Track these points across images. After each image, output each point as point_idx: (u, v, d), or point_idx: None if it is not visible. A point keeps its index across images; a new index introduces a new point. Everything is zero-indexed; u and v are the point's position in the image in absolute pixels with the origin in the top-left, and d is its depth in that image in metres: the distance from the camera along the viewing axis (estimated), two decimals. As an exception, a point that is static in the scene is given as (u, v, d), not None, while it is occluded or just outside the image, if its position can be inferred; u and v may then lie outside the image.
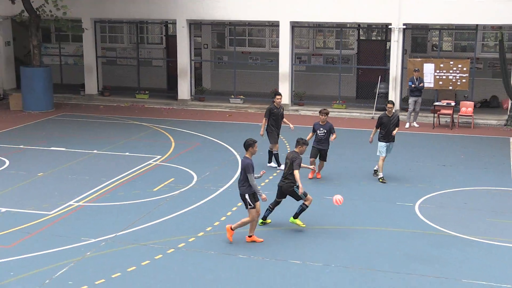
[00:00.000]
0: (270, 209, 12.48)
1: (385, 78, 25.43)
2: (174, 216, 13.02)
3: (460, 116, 22.94)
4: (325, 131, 15.51)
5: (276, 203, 12.45)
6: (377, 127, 15.78)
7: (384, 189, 14.92)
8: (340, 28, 26.77)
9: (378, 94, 24.83)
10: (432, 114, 23.06)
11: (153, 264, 10.64)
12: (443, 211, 13.57)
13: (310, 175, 15.62)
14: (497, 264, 10.80)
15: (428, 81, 23.46)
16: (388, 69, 24.80)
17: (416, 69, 22.66)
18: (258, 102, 26.54)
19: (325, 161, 15.85)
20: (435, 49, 27.46)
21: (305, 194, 12.11)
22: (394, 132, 15.65)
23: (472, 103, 23.37)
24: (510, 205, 13.96)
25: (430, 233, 12.26)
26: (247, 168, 11.35)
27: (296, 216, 12.32)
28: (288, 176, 12.14)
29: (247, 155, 11.60)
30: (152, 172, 16.34)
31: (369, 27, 29.20)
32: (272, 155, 16.64)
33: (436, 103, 23.17)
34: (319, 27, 28.96)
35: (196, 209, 13.48)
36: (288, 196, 12.31)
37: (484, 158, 18.07)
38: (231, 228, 11.68)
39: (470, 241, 11.83)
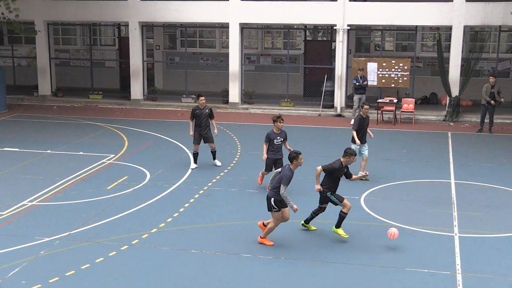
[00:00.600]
0: (312, 215, 11.86)
1: (331, 77, 25.60)
2: (128, 213, 12.83)
3: (402, 112, 23.25)
4: (282, 139, 14.11)
5: (320, 209, 11.79)
6: (356, 130, 15.13)
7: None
8: (287, 29, 26.84)
9: (324, 92, 24.98)
10: (375, 111, 23.30)
11: (107, 261, 10.45)
12: (387, 203, 13.70)
13: (259, 181, 14.69)
14: (438, 252, 10.94)
15: (372, 79, 23.70)
16: (334, 68, 25.00)
17: (360, 68, 22.87)
18: (209, 101, 26.34)
19: None
20: (378, 48, 27.76)
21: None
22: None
23: (413, 99, 23.72)
24: (449, 196, 14.18)
25: (375, 224, 12.37)
26: (283, 179, 10.85)
27: (337, 226, 11.53)
28: (323, 183, 11.52)
29: (291, 167, 11.08)
30: (106, 170, 16.08)
31: (315, 28, 29.37)
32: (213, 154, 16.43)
33: (380, 100, 23.44)
34: (267, 29, 28.98)
35: (149, 206, 13.31)
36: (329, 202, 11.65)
37: (424, 152, 18.34)
38: (261, 237, 11.38)
39: (412, 231, 11.96)
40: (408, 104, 23.34)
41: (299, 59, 28.69)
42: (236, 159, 17.41)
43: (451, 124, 22.85)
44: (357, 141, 15.08)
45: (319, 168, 11.37)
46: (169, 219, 12.47)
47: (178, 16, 25.64)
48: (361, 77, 22.59)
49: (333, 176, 11.42)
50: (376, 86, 24.14)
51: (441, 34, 24.46)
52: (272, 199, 11.02)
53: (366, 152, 15.37)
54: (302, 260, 10.62)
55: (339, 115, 24.47)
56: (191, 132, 16.10)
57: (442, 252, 10.96)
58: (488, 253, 10.89)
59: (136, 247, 11.06)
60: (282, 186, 10.83)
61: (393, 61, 23.82)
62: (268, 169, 14.22)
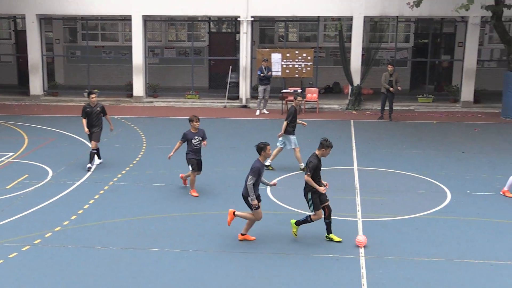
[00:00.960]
0: (326, 222, 11.05)
1: (236, 68, 25.69)
2: (29, 212, 12.43)
3: (306, 102, 23.65)
4: (200, 139, 13.53)
5: (324, 212, 11.01)
6: (290, 120, 15.19)
7: (236, 175, 15.05)
8: (191, 22, 26.73)
9: (229, 84, 25.06)
10: (280, 101, 23.59)
11: (7, 263, 10.09)
12: (293, 191, 13.90)
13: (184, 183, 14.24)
14: (342, 237, 11.17)
15: (276, 70, 23.98)
16: (238, 60, 25.08)
17: (265, 59, 23.08)
18: (113, 95, 25.93)
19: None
20: (281, 39, 28.10)
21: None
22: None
23: (317, 89, 24.18)
24: (352, 182, 14.56)
25: (281, 213, 12.54)
26: (252, 170, 10.63)
27: (297, 223, 11.07)
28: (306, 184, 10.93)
29: (260, 159, 10.83)
30: (5, 169, 15.51)
31: (219, 20, 29.38)
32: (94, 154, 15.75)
33: (284, 91, 23.76)
34: (171, 21, 28.74)
35: (52, 204, 12.94)
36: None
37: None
38: (242, 235, 11.19)
39: (318, 218, 12.21)
40: (312, 93, 23.77)
41: (203, 51, 28.64)
42: (141, 153, 17.20)
43: (354, 112, 23.46)
44: (282, 132, 15.23)
45: (307, 177, 10.69)
46: (73, 217, 12.18)
47: (78, 9, 25.01)
48: (265, 68, 22.81)
49: (315, 173, 10.85)
50: (281, 76, 24.45)
51: (343, 25, 25.03)
52: (249, 197, 10.79)
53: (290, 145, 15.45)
54: (209, 251, 10.63)
55: (245, 106, 24.63)
56: (86, 129, 15.43)
57: (347, 237, 11.24)
58: (390, 236, 11.27)
59: (38, 247, 10.74)
60: (250, 177, 10.63)
61: (297, 52, 24.18)
62: (197, 169, 13.54)
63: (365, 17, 23.89)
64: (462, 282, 9.60)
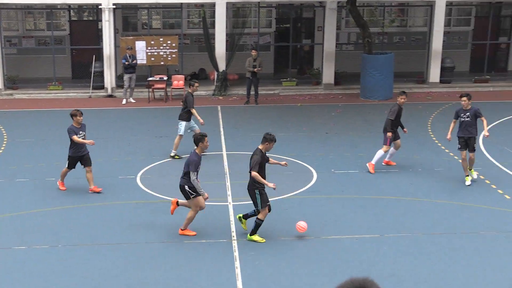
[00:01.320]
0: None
1: (100, 57, 25.05)
2: None
3: (172, 89, 23.55)
4: (84, 133, 12.89)
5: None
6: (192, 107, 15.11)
7: (106, 165, 14.77)
8: (50, 10, 25.72)
9: (93, 73, 24.42)
10: (147, 89, 23.34)
11: None
12: (163, 179, 13.86)
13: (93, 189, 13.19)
14: (214, 222, 11.35)
15: (141, 58, 23.65)
16: (102, 48, 24.48)
17: (129, 47, 22.71)
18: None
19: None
20: (145, 27, 27.71)
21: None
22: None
23: (183, 76, 24.12)
24: (221, 167, 14.70)
25: (152, 202, 12.47)
26: (191, 165, 10.29)
27: (252, 233, 10.66)
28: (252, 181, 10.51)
29: (196, 151, 10.56)
30: None
31: (80, 8, 28.48)
32: None
33: (150, 79, 23.51)
34: (28, 9, 27.50)
35: None
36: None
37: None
38: (181, 230, 10.80)
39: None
40: (178, 81, 23.70)
41: (65, 40, 27.65)
42: (2, 148, 16.43)
43: (220, 98, 23.65)
44: (200, 120, 15.17)
45: (254, 173, 10.36)
46: None
47: None
48: (130, 56, 22.45)
49: (261, 168, 10.56)
50: (146, 64, 24.16)
51: (206, 11, 25.08)
52: (186, 186, 10.53)
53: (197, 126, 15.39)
54: (82, 245, 10.39)
55: (110, 96, 24.11)
56: None
57: (218, 222, 11.39)
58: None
59: None
60: (191, 172, 10.33)
61: (161, 39, 23.97)
62: (71, 166, 12.96)
63: (227, 3, 24.07)
64: (330, 257, 10.03)
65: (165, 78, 23.37)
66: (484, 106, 20.82)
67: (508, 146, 16.19)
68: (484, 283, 9.21)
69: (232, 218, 11.54)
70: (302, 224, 10.66)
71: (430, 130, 17.86)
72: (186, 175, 10.54)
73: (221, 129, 18.40)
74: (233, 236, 10.76)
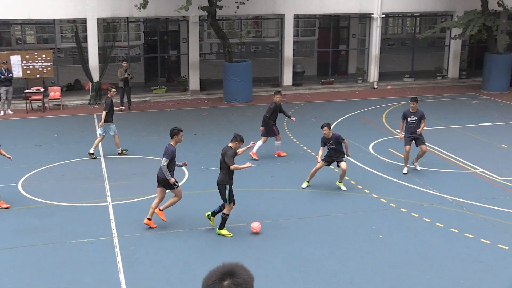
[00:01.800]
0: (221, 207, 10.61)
1: (-25, 72, 23.46)
2: None
3: (50, 100, 22.58)
4: None
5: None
6: (108, 110, 15.17)
7: (-14, 175, 13.92)
8: None
9: (-31, 87, 22.85)
10: (24, 101, 22.21)
11: None
12: (45, 185, 13.29)
13: None
14: (95, 222, 11.03)
15: (17, 71, 22.45)
16: (-23, 63, 22.93)
17: (4, 61, 21.49)
18: None
19: None
20: (19, 42, 26.33)
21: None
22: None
23: (59, 87, 23.20)
24: (100, 170, 14.33)
25: (35, 206, 11.91)
26: (166, 153, 10.41)
27: (221, 227, 10.48)
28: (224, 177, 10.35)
29: (171, 143, 10.59)
30: None
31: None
32: None
33: (27, 91, 22.37)
34: None
35: None
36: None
37: (75, 134, 18.15)
38: (160, 210, 10.64)
39: (71, 206, 11.85)
40: (55, 92, 22.75)
41: None
42: None
43: (96, 106, 22.96)
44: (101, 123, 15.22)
45: (234, 166, 10.17)
46: None
47: None
48: (5, 70, 21.26)
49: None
50: (22, 77, 22.97)
51: (78, 26, 24.25)
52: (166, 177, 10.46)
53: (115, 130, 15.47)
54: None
55: (-12, 108, 22.67)
56: None
57: (99, 221, 11.09)
58: (138, 215, 11.34)
59: None
60: (164, 158, 10.41)
61: (36, 53, 22.87)
62: None
63: (98, 19, 23.41)
64: (205, 246, 10.07)
65: (42, 89, 22.34)
66: (330, 105, 21.85)
67: (352, 139, 17.01)
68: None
69: (112, 217, 11.28)
70: (254, 225, 10.59)
71: (286, 128, 18.38)
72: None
73: (98, 135, 17.86)
74: (114, 234, 10.52)
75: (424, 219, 11.26)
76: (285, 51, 24.91)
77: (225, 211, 10.44)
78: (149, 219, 10.73)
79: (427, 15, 27.89)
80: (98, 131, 15.68)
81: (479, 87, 24.97)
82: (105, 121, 15.30)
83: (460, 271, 9.27)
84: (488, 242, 10.25)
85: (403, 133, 14.06)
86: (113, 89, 15.69)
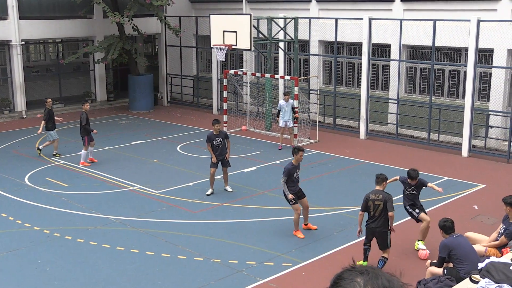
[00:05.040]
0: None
1: None
2: None
3: None
4: None
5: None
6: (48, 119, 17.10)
7: None
8: None
9: None
10: None
11: None
12: None
13: None
14: None
15: None
16: None
17: None
18: None
19: None
20: None
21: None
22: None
23: None
24: None
25: None
26: (284, 171, 11.23)
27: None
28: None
29: (293, 162, 11.35)
30: None
31: None
32: None
33: None
34: None
35: None
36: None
37: None
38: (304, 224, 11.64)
39: None
40: None
41: None
42: None
43: None
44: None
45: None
46: None
47: None
48: None
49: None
50: None
51: None
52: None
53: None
54: None
55: None
56: None
57: None
58: None
59: None
60: (282, 176, 11.24)
61: None
62: None
63: None
64: None
65: None
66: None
67: (5, 173, 16.07)
68: None
69: None
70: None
71: None
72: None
73: None
74: None
75: (90, 242, 11.33)
76: None
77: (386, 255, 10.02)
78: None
79: (68, 41, 27.95)
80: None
81: (127, 108, 26.11)
82: (47, 129, 17.26)
83: (129, 285, 9.60)
84: (152, 253, 10.84)
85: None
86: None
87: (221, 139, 13.86)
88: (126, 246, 11.13)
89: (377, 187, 9.98)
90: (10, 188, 14.68)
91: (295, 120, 18.42)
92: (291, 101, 18.24)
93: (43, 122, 17.33)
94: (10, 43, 24.01)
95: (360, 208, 10.13)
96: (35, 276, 9.95)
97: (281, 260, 10.56)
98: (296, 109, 18.42)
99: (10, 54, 24.35)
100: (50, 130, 17.44)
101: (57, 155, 17.56)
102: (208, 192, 14.03)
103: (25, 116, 24.49)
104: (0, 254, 10.85)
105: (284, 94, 18.56)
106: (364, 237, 10.17)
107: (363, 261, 9.94)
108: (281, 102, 18.28)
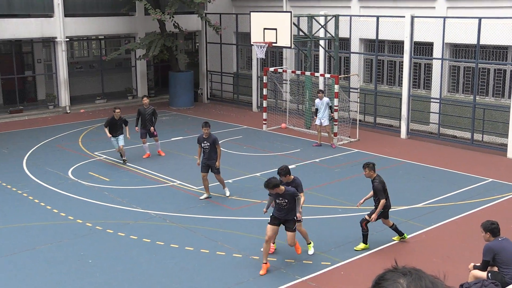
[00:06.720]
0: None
1: None
2: None
3: None
4: None
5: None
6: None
7: None
8: None
9: None
10: None
11: None
12: None
13: None
14: None
15: None
16: None
17: None
18: None
19: None
20: None
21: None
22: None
23: None
24: None
25: None
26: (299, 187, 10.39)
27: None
28: None
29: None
30: None
31: None
32: None
33: None
34: None
35: None
36: None
37: None
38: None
39: None
40: None
41: None
42: None
43: None
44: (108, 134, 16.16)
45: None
46: None
47: None
48: None
49: None
50: None
51: None
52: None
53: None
54: None
55: None
56: None
57: None
58: None
59: None
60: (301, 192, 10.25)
61: None
62: None
63: None
64: None
65: None
66: (22, 134, 20.73)
67: (50, 166, 16.43)
68: None
69: None
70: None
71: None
72: None
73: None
74: None
75: (131, 236, 11.49)
76: (-36, 80, 22.84)
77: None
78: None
79: (111, 38, 28.38)
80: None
81: (168, 104, 26.37)
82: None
83: (168, 280, 9.70)
84: (192, 249, 10.92)
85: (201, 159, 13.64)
86: (117, 110, 16.45)
87: (209, 144, 13.29)
88: (166, 241, 11.24)
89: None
90: (54, 181, 15.01)
91: (332, 119, 18.31)
92: (325, 99, 18.18)
93: (106, 129, 16.40)
94: (56, 40, 24.51)
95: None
96: (78, 268, 10.15)
97: (320, 258, 10.52)
98: (334, 108, 18.33)
99: (55, 51, 24.86)
100: (113, 137, 16.47)
101: (124, 160, 16.64)
102: (202, 197, 13.68)
103: (69, 111, 24.98)
104: (45, 245, 11.11)
105: (317, 92, 18.54)
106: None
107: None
108: (316, 100, 18.27)
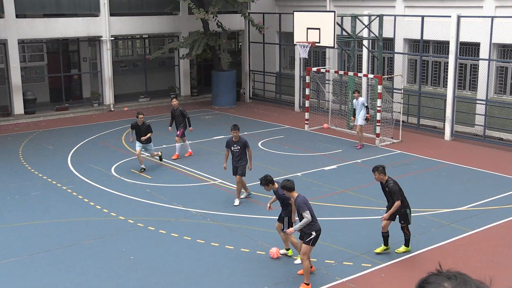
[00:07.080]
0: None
1: None
2: None
3: None
4: None
5: None
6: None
7: None
8: None
9: None
10: None
11: None
12: None
13: None
14: None
15: None
16: None
17: None
18: None
19: None
20: None
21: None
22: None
23: None
24: None
25: None
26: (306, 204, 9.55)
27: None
28: None
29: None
30: None
31: None
32: None
33: None
34: None
35: None
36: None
37: None
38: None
39: None
40: None
41: None
42: None
43: None
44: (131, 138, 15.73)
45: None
46: None
47: None
48: None
49: None
50: None
51: None
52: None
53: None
54: None
55: None
56: None
57: None
58: None
59: None
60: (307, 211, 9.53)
61: None
62: None
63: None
64: None
65: None
66: (67, 131, 21.18)
67: (93, 163, 16.74)
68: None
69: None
70: (273, 250, 10.60)
71: (22, 158, 17.34)
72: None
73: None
74: None
75: (172, 234, 11.61)
76: (13, 78, 23.47)
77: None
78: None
79: (155, 37, 28.75)
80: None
81: (210, 103, 26.55)
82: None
83: (208, 278, 9.77)
84: (232, 247, 10.97)
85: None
86: (140, 115, 15.78)
87: (239, 147, 13.08)
88: (206, 239, 11.32)
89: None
90: (97, 178, 15.29)
91: (367, 119, 18.13)
92: (361, 99, 18.04)
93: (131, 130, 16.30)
94: (101, 38, 24.97)
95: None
96: (120, 264, 10.32)
97: (360, 260, 10.43)
98: (377, 108, 18.16)
99: (101, 49, 25.33)
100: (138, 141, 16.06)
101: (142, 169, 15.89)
102: (243, 196, 13.52)
103: (113, 109, 25.41)
104: (88, 241, 11.33)
105: (353, 92, 18.41)
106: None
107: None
108: (354, 100, 18.16)
